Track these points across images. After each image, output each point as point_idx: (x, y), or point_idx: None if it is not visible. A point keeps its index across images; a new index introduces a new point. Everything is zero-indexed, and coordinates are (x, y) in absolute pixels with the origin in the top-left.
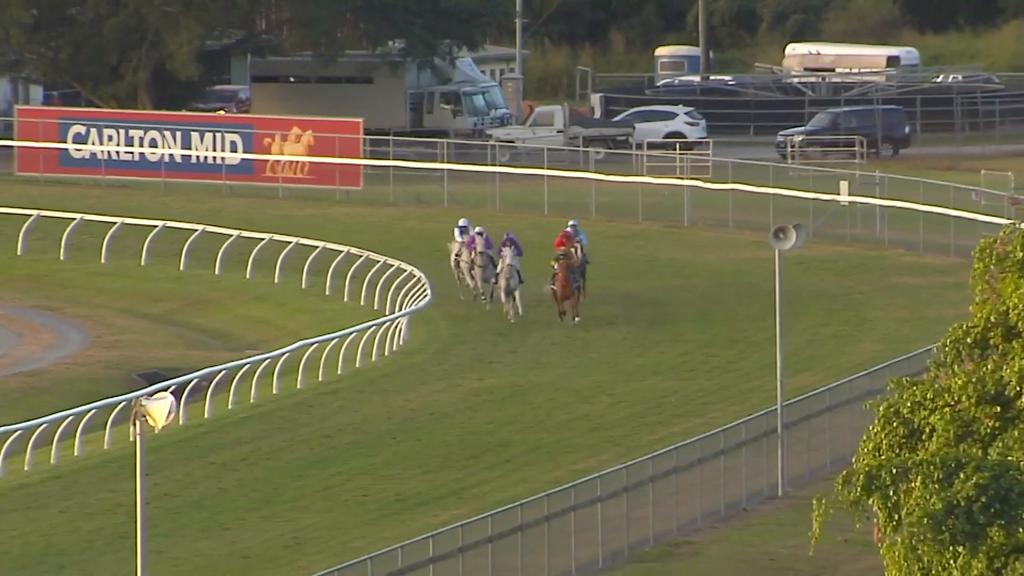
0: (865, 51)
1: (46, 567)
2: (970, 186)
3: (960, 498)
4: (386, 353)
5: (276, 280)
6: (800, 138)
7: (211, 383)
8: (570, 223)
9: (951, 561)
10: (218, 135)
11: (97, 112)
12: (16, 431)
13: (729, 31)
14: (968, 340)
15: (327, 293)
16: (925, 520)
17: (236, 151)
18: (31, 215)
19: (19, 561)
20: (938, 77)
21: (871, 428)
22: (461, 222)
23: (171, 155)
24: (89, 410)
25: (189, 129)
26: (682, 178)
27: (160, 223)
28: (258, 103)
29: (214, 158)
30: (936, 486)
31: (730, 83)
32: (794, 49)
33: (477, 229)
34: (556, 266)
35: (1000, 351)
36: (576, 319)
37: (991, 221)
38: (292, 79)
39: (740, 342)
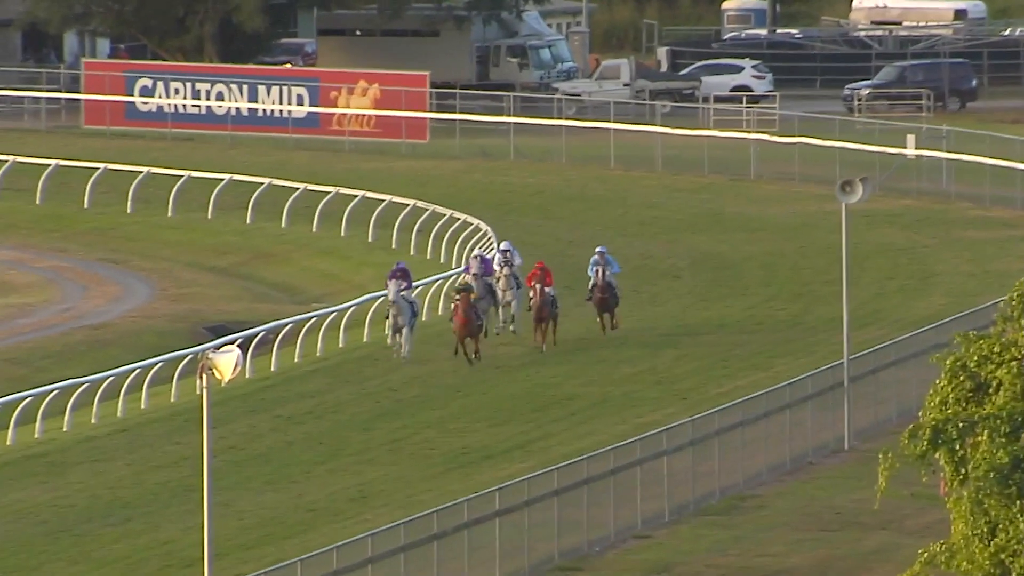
0: (932, 4)
1: (112, 520)
2: None
3: None
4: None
5: (342, 233)
6: (867, 91)
7: (277, 336)
8: (598, 249)
9: (1017, 515)
10: (284, 88)
11: (163, 65)
12: (83, 384)
13: None
14: None
15: (393, 247)
16: (991, 474)
17: (302, 104)
18: (98, 168)
19: (86, 514)
20: (1005, 30)
21: (937, 382)
22: (503, 246)
23: (237, 108)
24: (156, 363)
25: (255, 82)
26: (748, 131)
27: (226, 176)
28: (324, 56)
29: (280, 111)
30: (1003, 440)
31: (797, 36)
32: (861, 2)
33: (478, 253)
34: (458, 297)
35: None
36: (476, 356)
37: None
38: (358, 32)
39: (806, 296)
